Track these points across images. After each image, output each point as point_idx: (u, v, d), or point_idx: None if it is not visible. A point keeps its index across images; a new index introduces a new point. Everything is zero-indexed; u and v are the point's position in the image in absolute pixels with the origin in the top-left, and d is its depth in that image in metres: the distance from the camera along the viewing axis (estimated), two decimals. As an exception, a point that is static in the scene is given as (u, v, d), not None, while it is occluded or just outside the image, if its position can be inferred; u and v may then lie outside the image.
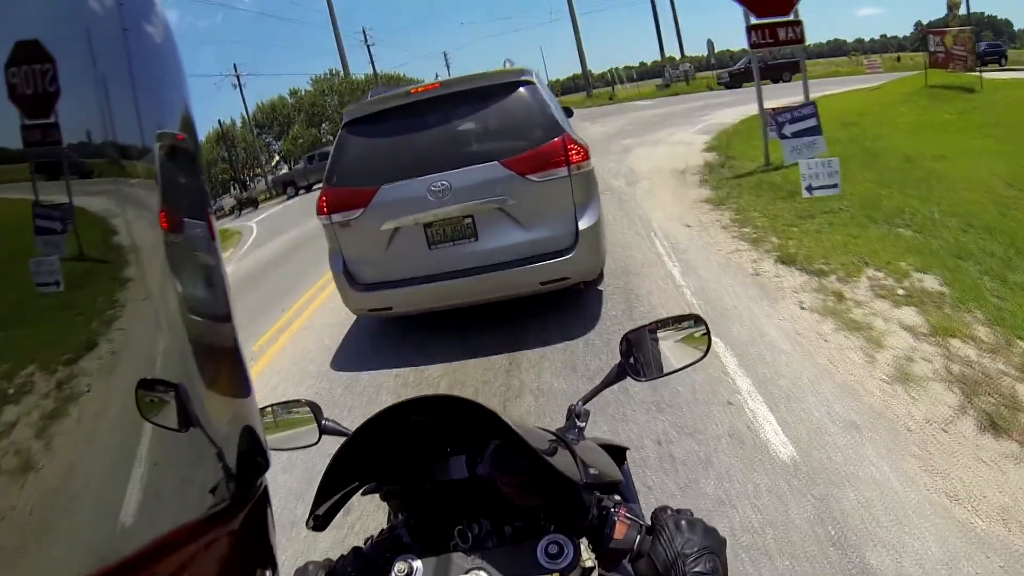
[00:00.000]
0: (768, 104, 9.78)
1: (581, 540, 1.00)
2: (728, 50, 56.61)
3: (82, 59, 0.63)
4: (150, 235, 0.70)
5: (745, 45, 10.17)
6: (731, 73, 39.61)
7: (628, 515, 1.10)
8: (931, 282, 4.68)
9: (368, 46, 58.10)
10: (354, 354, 5.51)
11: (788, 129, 8.39)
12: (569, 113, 6.03)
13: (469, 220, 4.71)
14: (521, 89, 4.85)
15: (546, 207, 4.68)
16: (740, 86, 36.74)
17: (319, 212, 5.07)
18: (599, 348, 4.40)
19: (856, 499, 2.71)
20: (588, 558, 0.98)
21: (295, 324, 6.97)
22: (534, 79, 4.94)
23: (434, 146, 4.81)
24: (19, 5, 0.59)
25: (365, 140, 5.07)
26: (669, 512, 1.06)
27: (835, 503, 2.70)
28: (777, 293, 4.90)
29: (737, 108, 20.63)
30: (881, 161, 9.46)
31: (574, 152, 4.67)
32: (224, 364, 0.83)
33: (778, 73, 37.09)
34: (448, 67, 71.15)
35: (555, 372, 4.24)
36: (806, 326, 4.28)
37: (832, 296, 4.65)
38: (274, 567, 0.87)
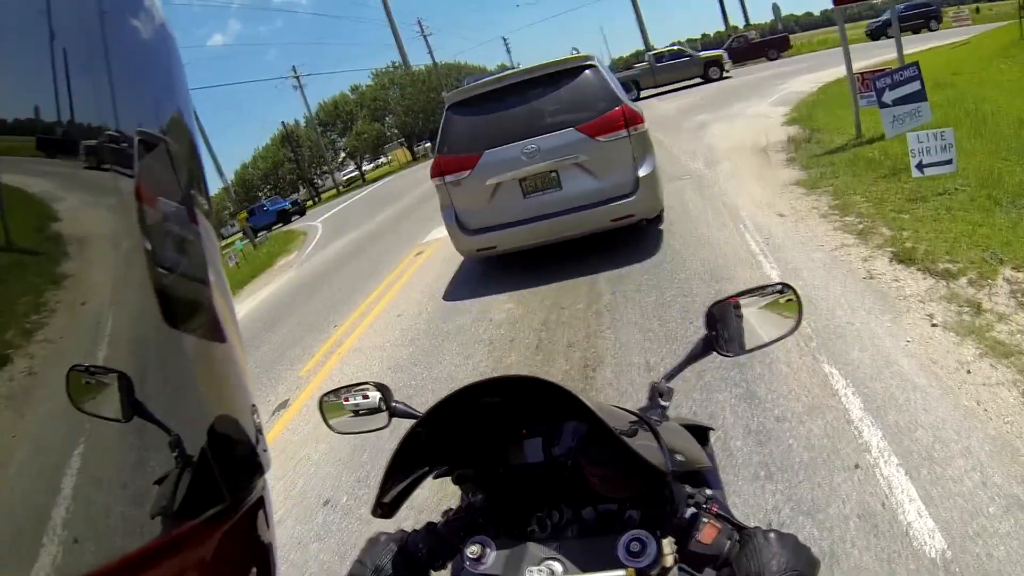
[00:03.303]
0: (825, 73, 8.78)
1: (665, 538, 0.95)
2: (792, 15, 53.39)
3: (29, 29, 0.54)
4: (108, 223, 0.59)
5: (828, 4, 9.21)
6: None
7: (719, 516, 1.01)
8: (1085, 284, 3.81)
9: (425, 37, 57.78)
10: (413, 384, 5.01)
11: (888, 96, 7.36)
12: (630, 88, 6.38)
13: (554, 174, 6.16)
14: (587, 72, 6.21)
15: (612, 161, 6.02)
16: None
17: (434, 175, 6.48)
18: (691, 383, 3.69)
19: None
20: (670, 554, 0.93)
21: (346, 343, 6.57)
22: (596, 63, 6.30)
23: (523, 118, 6.16)
24: None
25: (467, 118, 6.41)
26: (773, 534, 0.94)
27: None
28: (900, 303, 4.08)
29: (813, 74, 19.43)
30: (991, 127, 8.28)
31: (630, 117, 5.99)
32: (204, 362, 0.74)
33: (762, 51, 34.73)
34: (509, 52, 70.21)
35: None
36: (942, 350, 3.47)
37: (968, 307, 3.82)
38: None
